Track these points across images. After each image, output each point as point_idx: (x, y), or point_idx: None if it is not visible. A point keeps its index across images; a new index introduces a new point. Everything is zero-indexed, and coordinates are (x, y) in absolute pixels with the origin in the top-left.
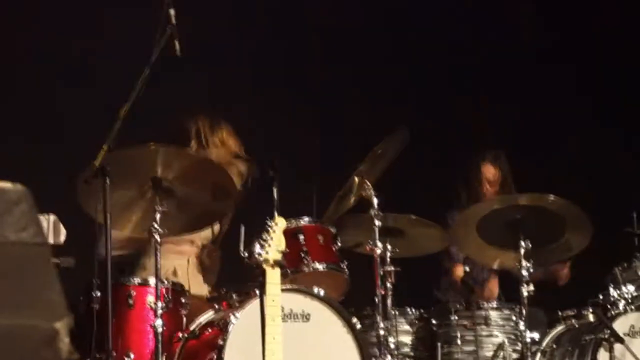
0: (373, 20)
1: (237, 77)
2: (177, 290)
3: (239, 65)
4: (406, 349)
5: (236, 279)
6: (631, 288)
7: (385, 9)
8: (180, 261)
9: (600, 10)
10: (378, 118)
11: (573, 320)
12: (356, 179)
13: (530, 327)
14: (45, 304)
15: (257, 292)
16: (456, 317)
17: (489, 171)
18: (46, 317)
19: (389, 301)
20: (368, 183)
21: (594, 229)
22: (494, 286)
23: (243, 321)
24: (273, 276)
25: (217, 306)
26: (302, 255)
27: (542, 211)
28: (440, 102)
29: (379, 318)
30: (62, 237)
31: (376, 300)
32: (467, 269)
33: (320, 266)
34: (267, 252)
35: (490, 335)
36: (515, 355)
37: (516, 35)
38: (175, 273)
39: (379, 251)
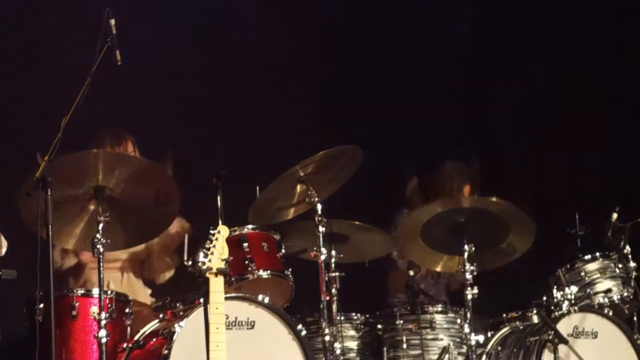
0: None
1: (180, 86)
2: (121, 300)
3: (178, 74)
4: (352, 354)
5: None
6: (574, 289)
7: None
8: (114, 274)
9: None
10: (327, 130)
11: (517, 322)
12: (299, 186)
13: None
14: None
15: (201, 300)
16: (401, 322)
17: (467, 190)
18: None
19: (334, 307)
20: (312, 189)
21: (537, 229)
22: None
23: (187, 330)
24: (217, 284)
25: (161, 315)
26: (246, 262)
27: (485, 214)
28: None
29: (324, 324)
30: (4, 249)
31: (321, 306)
32: (412, 273)
33: (264, 273)
34: (210, 261)
35: (436, 339)
36: (460, 358)
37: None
38: (108, 286)
39: (323, 257)
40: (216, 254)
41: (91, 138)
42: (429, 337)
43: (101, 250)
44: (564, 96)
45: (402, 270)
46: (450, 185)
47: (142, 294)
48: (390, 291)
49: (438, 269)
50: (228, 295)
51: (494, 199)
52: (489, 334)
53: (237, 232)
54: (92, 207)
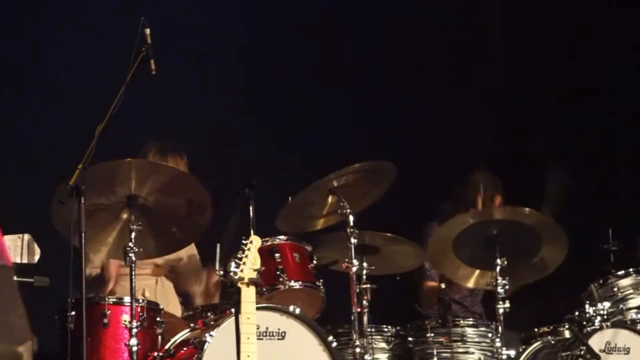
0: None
1: (214, 96)
2: (152, 308)
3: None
4: None
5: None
6: (607, 304)
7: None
8: (148, 282)
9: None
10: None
11: (549, 337)
12: (330, 197)
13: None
14: (8, 327)
15: (233, 310)
16: (432, 334)
17: (498, 200)
18: (9, 340)
19: (365, 318)
20: (344, 201)
21: (569, 242)
22: None
23: (218, 340)
24: (248, 294)
25: (192, 325)
26: (278, 273)
27: (517, 226)
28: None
29: (355, 336)
30: (37, 257)
31: (352, 317)
32: (443, 285)
33: (296, 284)
34: (242, 271)
35: (467, 352)
36: None
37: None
38: (143, 294)
39: (354, 269)
40: (248, 264)
41: (144, 145)
42: (460, 350)
43: (133, 258)
44: (596, 110)
45: (434, 281)
46: (482, 196)
47: (175, 302)
48: (421, 302)
49: (470, 285)
50: (259, 305)
51: (526, 210)
52: (521, 349)
53: (269, 243)
54: (124, 216)
